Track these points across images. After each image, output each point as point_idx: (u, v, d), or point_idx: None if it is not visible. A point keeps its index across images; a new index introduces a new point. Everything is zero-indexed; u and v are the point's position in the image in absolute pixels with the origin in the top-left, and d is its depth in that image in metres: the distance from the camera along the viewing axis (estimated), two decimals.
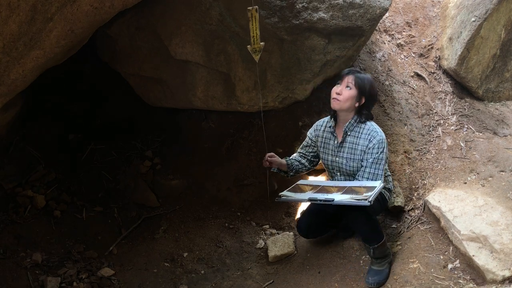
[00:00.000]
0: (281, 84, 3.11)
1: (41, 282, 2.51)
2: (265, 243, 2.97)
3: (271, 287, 2.65)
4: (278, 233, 3.03)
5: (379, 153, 2.36)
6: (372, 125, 2.44)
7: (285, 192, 2.40)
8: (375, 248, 2.41)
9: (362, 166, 2.41)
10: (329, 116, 2.61)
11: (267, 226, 3.14)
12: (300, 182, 2.56)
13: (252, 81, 3.06)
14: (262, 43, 2.23)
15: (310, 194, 2.31)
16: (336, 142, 2.51)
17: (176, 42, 2.96)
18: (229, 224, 3.15)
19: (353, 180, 2.47)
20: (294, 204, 3.20)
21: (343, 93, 2.38)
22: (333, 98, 2.42)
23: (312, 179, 3.19)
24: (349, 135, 2.45)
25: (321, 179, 3.16)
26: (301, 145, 2.73)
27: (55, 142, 3.44)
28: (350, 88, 2.38)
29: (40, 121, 3.43)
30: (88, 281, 2.61)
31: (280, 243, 2.87)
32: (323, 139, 2.58)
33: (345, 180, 2.52)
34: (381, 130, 2.44)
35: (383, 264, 2.46)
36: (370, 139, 2.38)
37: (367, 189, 2.23)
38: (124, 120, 3.69)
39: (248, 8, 2.08)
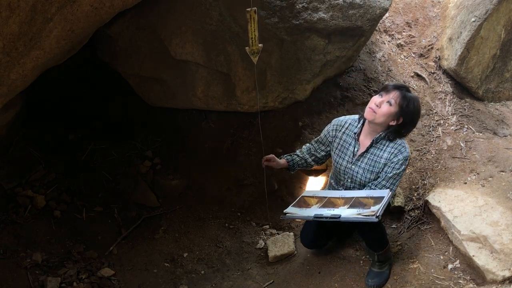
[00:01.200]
0: (281, 84, 3.11)
1: (41, 282, 2.52)
2: (265, 243, 2.97)
3: (271, 287, 2.65)
4: (278, 233, 3.03)
5: (400, 169, 2.24)
6: (400, 139, 2.29)
7: (290, 209, 2.29)
8: (379, 255, 2.40)
9: (379, 177, 2.29)
10: (353, 117, 2.46)
11: (267, 226, 3.14)
12: (305, 193, 2.45)
13: (252, 81, 3.06)
14: (260, 45, 2.21)
15: (315, 210, 2.20)
16: (356, 149, 2.35)
17: (176, 42, 2.96)
18: (229, 224, 3.15)
19: (362, 188, 2.36)
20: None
21: (382, 107, 2.21)
22: (370, 108, 2.24)
23: (312, 179, 3.19)
24: (374, 146, 2.31)
25: (321, 179, 3.16)
26: (316, 139, 2.57)
27: (55, 142, 3.44)
28: (391, 105, 2.20)
29: (40, 121, 3.43)
30: (88, 281, 2.62)
31: (280, 243, 2.87)
32: (342, 141, 2.42)
33: (353, 186, 2.40)
34: (408, 147, 2.31)
35: (383, 266, 2.45)
36: (396, 154, 2.24)
37: (375, 200, 2.12)
38: (124, 120, 3.69)
39: (247, 9, 2.08)
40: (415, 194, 2.98)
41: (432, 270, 2.39)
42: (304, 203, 2.36)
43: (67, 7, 1.99)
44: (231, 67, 3.03)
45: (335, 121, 2.49)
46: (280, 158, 2.53)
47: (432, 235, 2.62)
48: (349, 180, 2.41)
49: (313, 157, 2.56)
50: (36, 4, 1.82)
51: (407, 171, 3.11)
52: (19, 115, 3.11)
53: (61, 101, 3.61)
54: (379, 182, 2.28)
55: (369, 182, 2.33)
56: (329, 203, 2.26)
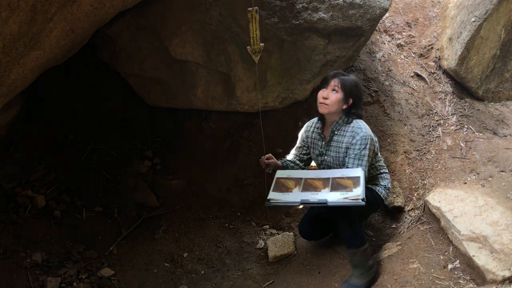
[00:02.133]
0: (281, 84, 3.11)
1: (41, 282, 2.51)
2: (265, 243, 2.97)
3: (271, 287, 2.65)
4: (278, 233, 3.03)
5: (361, 149, 2.34)
6: (357, 122, 2.41)
7: (272, 194, 2.29)
8: (353, 253, 2.37)
9: (345, 161, 2.40)
10: (317, 118, 2.61)
11: (267, 226, 3.14)
12: (279, 175, 2.44)
13: (252, 81, 3.06)
14: (262, 44, 2.24)
15: (300, 195, 2.23)
16: (324, 142, 2.52)
17: (176, 42, 2.96)
18: (229, 224, 3.16)
19: None
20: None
21: (330, 97, 2.38)
22: (320, 103, 2.41)
23: None
24: (336, 134, 2.45)
25: None
26: (295, 147, 2.73)
27: (55, 142, 3.44)
28: (337, 92, 2.38)
29: (40, 121, 3.43)
30: (88, 281, 2.61)
31: (280, 243, 2.87)
32: (313, 139, 2.60)
33: None
34: (367, 128, 2.41)
35: (362, 278, 2.39)
36: (354, 136, 2.37)
37: (353, 181, 2.19)
38: (124, 120, 3.69)
39: (248, 9, 2.09)
40: (415, 194, 2.98)
41: (432, 270, 2.39)
42: (283, 186, 2.36)
43: (67, 7, 1.99)
44: (231, 67, 3.03)
45: (305, 124, 2.69)
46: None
47: (432, 235, 2.62)
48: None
49: (299, 161, 2.70)
50: (36, 4, 1.82)
51: (407, 171, 3.11)
52: (19, 115, 3.11)
53: (61, 101, 3.61)
54: (347, 166, 2.38)
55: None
56: (308, 185, 2.30)
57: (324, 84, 2.44)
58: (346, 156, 2.41)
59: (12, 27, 1.81)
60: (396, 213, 2.91)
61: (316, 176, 2.36)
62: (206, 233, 3.09)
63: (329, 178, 2.28)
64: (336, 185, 2.22)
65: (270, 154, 2.55)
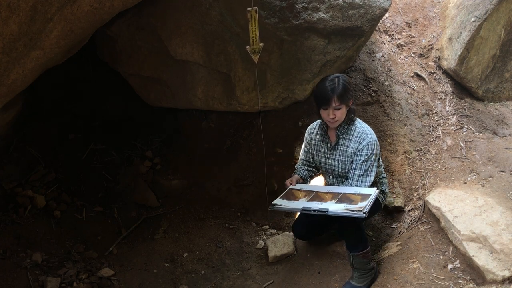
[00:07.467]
0: (281, 84, 3.11)
1: (41, 282, 2.51)
2: (265, 243, 2.97)
3: (271, 287, 2.65)
4: (278, 233, 3.03)
5: (368, 155, 2.36)
6: (362, 127, 2.44)
7: (278, 200, 2.34)
8: (355, 256, 2.39)
9: (352, 167, 2.41)
10: (320, 120, 2.61)
11: (267, 226, 3.14)
12: (294, 187, 2.52)
13: (252, 82, 3.06)
14: (261, 44, 2.25)
15: (303, 203, 2.26)
16: (329, 145, 2.53)
17: (176, 42, 2.96)
18: (229, 224, 3.16)
19: (344, 180, 2.49)
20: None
21: (336, 115, 2.36)
22: (330, 122, 2.40)
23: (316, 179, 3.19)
24: (341, 138, 2.47)
25: (322, 179, 3.16)
26: (302, 152, 2.73)
27: (55, 142, 3.44)
28: (340, 108, 2.35)
29: (40, 121, 3.43)
30: (88, 281, 2.62)
31: (280, 243, 2.87)
32: (316, 141, 2.60)
33: (337, 181, 2.54)
34: (372, 131, 2.43)
35: (362, 280, 2.43)
36: (360, 141, 2.39)
37: (362, 197, 2.18)
38: (124, 120, 3.69)
39: (248, 9, 2.09)
40: (415, 194, 2.99)
41: (432, 270, 2.39)
42: (292, 195, 2.41)
43: (67, 7, 1.99)
44: (231, 67, 3.03)
45: (308, 127, 2.70)
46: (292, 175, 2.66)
47: (432, 235, 2.62)
48: (330, 176, 2.58)
49: (310, 165, 2.70)
50: (36, 4, 1.82)
51: (407, 171, 3.11)
52: (19, 115, 3.11)
53: (61, 101, 3.61)
54: (354, 172, 2.39)
55: (346, 174, 2.45)
56: (316, 197, 2.32)
57: (323, 104, 2.36)
58: (352, 161, 2.41)
59: (12, 27, 1.81)
60: (396, 213, 2.91)
61: (328, 190, 2.37)
62: (206, 233, 3.09)
63: (340, 193, 2.28)
64: (345, 198, 2.22)
65: (290, 180, 2.55)
